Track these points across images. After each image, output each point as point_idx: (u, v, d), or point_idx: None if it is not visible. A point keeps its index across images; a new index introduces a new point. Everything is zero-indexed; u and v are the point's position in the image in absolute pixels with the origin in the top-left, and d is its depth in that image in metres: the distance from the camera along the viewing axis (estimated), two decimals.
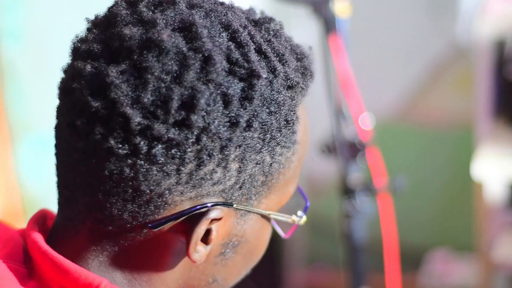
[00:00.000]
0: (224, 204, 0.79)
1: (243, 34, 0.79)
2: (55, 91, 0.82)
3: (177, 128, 0.75)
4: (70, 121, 0.77)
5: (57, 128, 0.81)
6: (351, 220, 1.64)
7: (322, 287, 2.92)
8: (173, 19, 0.78)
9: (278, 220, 0.88)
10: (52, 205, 0.86)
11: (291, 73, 0.81)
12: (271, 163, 0.81)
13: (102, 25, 0.81)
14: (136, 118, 0.74)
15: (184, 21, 0.78)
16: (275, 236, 3.03)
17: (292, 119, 0.82)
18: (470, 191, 2.36)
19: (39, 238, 0.81)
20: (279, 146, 0.81)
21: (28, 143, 1.77)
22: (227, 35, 0.79)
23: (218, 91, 0.76)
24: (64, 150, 0.80)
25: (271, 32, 0.83)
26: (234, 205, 0.80)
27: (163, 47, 0.75)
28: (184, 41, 0.76)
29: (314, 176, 2.83)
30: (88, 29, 0.82)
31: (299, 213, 0.90)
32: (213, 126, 0.75)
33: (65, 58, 0.83)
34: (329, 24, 1.54)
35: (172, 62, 0.75)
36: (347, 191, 1.64)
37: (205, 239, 0.80)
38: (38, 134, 1.79)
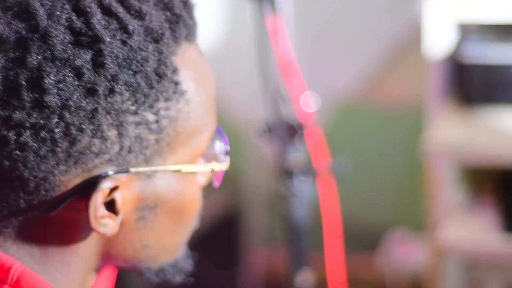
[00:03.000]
0: (118, 172, 0.79)
1: (87, 1, 0.78)
2: None
3: (37, 111, 0.75)
4: None
5: None
6: (289, 201, 1.64)
7: (280, 266, 2.93)
8: (10, 2, 0.78)
9: (199, 171, 0.87)
10: None
11: (154, 26, 0.80)
12: (157, 120, 0.80)
13: None
14: None
15: (19, 3, 0.77)
16: (234, 216, 3.01)
17: (165, 72, 0.80)
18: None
19: None
20: (160, 101, 0.80)
21: None
22: (71, 6, 0.78)
23: (66, 65, 0.75)
24: None
25: None
26: (132, 170, 0.80)
27: (4, 37, 0.76)
28: (23, 25, 0.76)
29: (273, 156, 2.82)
30: None
31: (222, 158, 0.89)
32: (71, 102, 0.75)
33: None
34: (265, 5, 1.52)
35: (15, 48, 0.75)
36: (285, 173, 1.64)
37: (113, 209, 0.80)
38: None
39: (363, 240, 2.87)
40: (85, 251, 0.82)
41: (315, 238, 1.70)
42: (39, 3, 0.77)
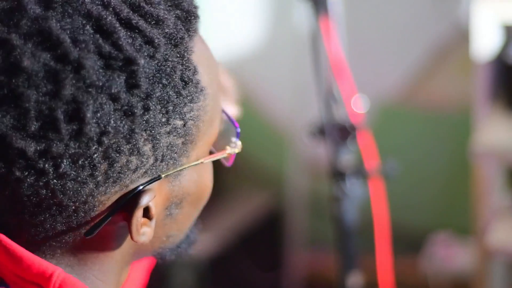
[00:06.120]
0: (152, 181, 0.78)
1: (107, 19, 0.74)
2: None
3: (75, 141, 0.73)
4: None
5: None
6: (341, 203, 1.64)
7: (322, 268, 2.93)
8: (29, 31, 0.73)
9: (217, 159, 0.86)
10: None
11: (172, 30, 0.77)
12: (185, 124, 0.79)
13: None
14: (31, 148, 0.72)
15: (41, 31, 0.73)
16: (276, 218, 3.02)
17: (189, 76, 0.78)
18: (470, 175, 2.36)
19: None
20: (186, 106, 0.78)
21: None
22: (91, 27, 0.74)
23: (102, 93, 0.73)
24: None
25: None
26: (163, 176, 0.79)
27: (30, 71, 0.71)
28: (49, 55, 0.72)
29: (316, 158, 2.83)
30: None
31: (233, 140, 0.88)
32: (110, 127, 0.73)
33: None
34: (318, 6, 1.53)
35: (45, 81, 0.72)
36: (337, 174, 1.64)
37: (147, 215, 0.79)
38: None
39: (406, 242, 2.86)
40: (120, 255, 0.83)
41: (364, 240, 1.71)
42: (59, 28, 0.73)
